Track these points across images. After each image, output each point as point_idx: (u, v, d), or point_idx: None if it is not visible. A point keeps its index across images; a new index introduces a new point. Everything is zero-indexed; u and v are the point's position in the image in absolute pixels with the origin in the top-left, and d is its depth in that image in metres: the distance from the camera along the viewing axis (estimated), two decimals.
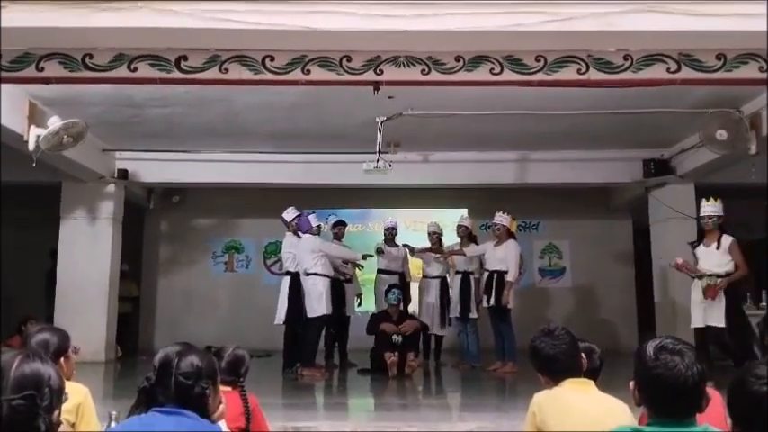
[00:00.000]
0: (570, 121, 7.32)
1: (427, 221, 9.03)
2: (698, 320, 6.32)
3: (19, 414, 1.44)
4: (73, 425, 2.61)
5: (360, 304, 8.84)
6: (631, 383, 1.89)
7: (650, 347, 1.84)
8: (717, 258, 6.33)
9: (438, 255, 8.57)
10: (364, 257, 8.15)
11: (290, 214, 7.88)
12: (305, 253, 7.54)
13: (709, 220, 6.43)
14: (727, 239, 6.34)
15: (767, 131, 6.57)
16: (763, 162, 6.90)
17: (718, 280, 6.18)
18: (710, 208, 6.45)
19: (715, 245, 6.35)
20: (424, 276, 8.79)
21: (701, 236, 6.63)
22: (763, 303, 8.62)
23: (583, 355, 2.72)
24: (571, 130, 7.77)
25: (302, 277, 7.52)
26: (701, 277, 6.33)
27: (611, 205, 11.05)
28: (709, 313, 6.21)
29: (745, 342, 6.45)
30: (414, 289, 9.08)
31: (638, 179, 8.99)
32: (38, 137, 6.37)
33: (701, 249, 6.51)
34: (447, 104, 6.73)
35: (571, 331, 2.70)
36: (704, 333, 6.22)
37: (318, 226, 7.96)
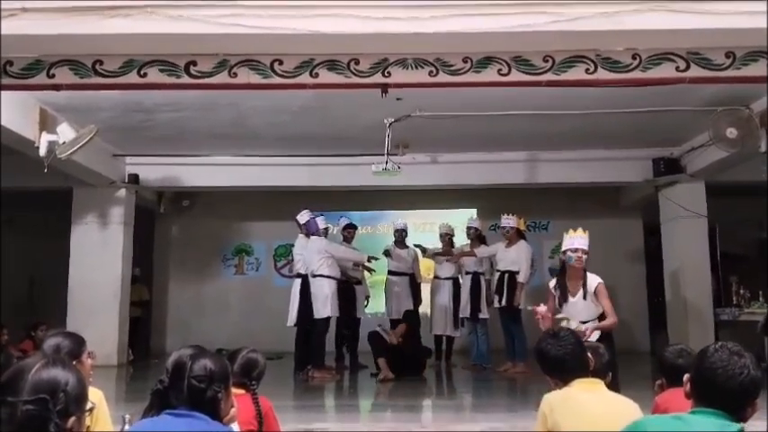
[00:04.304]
0: (579, 121, 7.30)
1: (437, 222, 9.01)
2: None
3: (30, 418, 1.47)
4: (88, 428, 2.63)
5: (367, 305, 8.84)
6: (686, 376, 1.97)
7: (713, 345, 1.93)
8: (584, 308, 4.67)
9: (448, 258, 8.55)
10: (369, 260, 8.17)
11: (303, 217, 7.89)
12: (312, 254, 7.58)
13: (583, 256, 4.67)
14: (593, 282, 4.67)
15: None
16: None
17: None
18: (580, 240, 4.70)
19: (581, 292, 4.65)
20: (436, 277, 8.77)
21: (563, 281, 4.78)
22: None
23: (589, 354, 2.73)
24: (580, 129, 7.75)
25: (310, 279, 7.55)
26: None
27: (622, 204, 11.01)
28: None
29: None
30: (426, 290, 9.04)
31: (649, 178, 8.96)
32: (49, 142, 6.41)
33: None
34: (455, 105, 6.73)
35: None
36: None
37: (326, 228, 7.99)
